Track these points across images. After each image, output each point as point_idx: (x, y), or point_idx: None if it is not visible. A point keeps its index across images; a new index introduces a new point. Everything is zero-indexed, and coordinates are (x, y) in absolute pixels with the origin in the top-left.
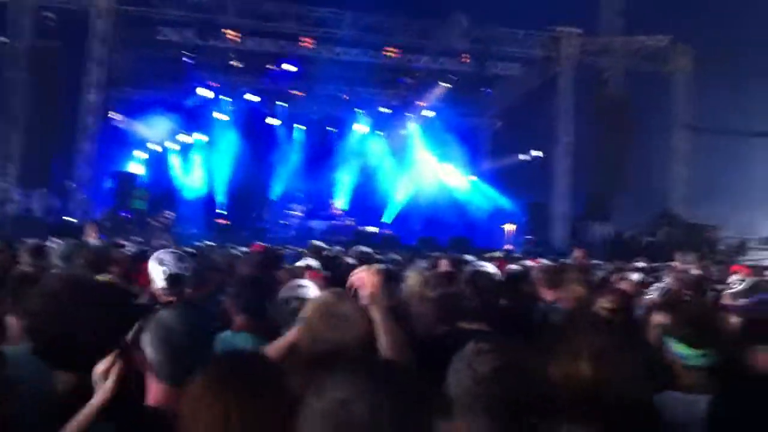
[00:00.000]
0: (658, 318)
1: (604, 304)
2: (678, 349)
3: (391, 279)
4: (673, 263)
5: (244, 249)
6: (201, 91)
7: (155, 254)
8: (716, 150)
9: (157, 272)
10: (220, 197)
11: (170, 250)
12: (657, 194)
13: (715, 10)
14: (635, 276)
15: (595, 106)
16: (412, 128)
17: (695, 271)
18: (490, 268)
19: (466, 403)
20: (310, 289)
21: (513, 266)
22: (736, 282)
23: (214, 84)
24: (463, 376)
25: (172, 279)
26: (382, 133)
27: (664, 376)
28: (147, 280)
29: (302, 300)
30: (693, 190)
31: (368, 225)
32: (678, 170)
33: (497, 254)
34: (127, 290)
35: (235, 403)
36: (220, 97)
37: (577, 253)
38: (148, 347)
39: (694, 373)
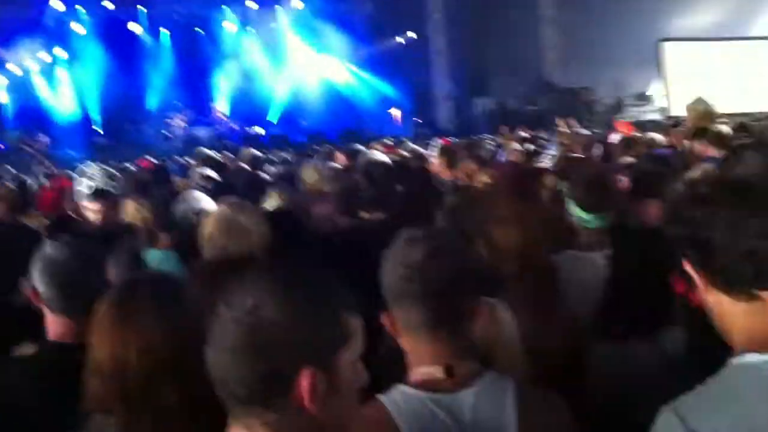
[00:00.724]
0: (549, 181)
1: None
2: (577, 212)
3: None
4: (559, 128)
5: (129, 165)
6: (54, 3)
7: (81, 168)
8: (582, 13)
9: (82, 187)
10: (94, 114)
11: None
12: (531, 62)
13: None
14: (518, 146)
15: None
16: (283, 21)
17: (580, 132)
18: (381, 156)
19: (400, 292)
20: (205, 202)
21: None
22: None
23: None
24: (396, 266)
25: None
26: (253, 30)
27: (564, 236)
28: (47, 205)
29: (200, 213)
30: (565, 54)
31: (254, 126)
32: (548, 35)
33: (388, 141)
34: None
35: (135, 324)
36: (76, 7)
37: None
38: (38, 282)
39: (593, 233)
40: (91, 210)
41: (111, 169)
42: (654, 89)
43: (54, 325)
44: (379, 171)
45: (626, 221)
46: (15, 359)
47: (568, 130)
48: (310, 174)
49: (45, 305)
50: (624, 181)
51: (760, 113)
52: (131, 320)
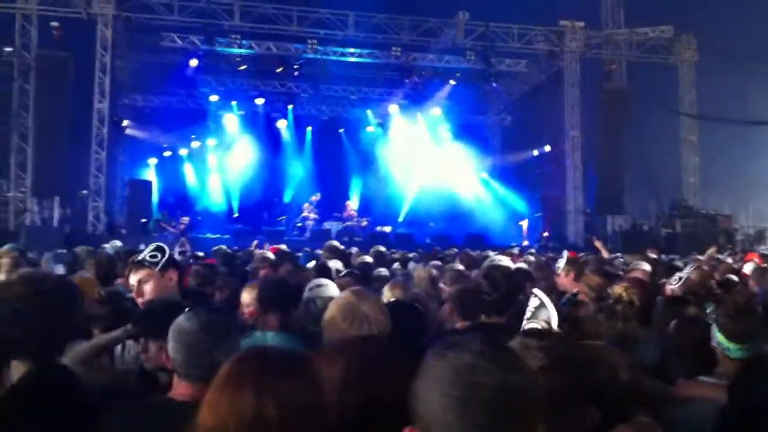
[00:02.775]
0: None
1: (618, 291)
2: (720, 339)
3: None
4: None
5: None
6: (210, 97)
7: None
8: (724, 138)
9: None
10: (234, 201)
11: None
12: (669, 185)
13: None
14: (647, 266)
15: (601, 99)
16: (421, 127)
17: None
18: (506, 261)
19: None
20: (331, 288)
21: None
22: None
23: (221, 88)
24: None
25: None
26: (391, 133)
27: (704, 361)
28: None
29: (325, 299)
30: (704, 179)
31: (382, 225)
32: (688, 159)
33: (513, 250)
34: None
35: (265, 386)
36: (230, 102)
37: (597, 243)
38: (170, 349)
39: (735, 362)
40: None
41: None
42: None
43: (178, 387)
44: (500, 275)
45: None
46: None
47: (715, 255)
48: (420, 274)
49: (174, 369)
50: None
51: None
52: (231, 390)
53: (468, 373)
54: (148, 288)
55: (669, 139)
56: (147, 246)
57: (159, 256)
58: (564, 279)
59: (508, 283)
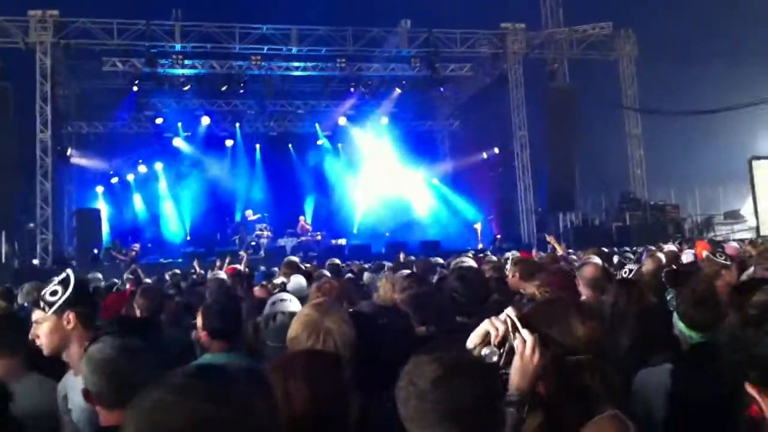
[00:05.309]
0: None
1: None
2: (681, 327)
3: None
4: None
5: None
6: (156, 120)
7: None
8: (667, 131)
9: None
10: (186, 224)
11: None
12: (617, 179)
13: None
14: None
15: (546, 99)
16: (370, 137)
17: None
18: (471, 262)
19: (415, 418)
20: (292, 303)
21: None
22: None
23: (166, 110)
24: (406, 393)
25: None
26: (340, 145)
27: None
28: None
29: (287, 315)
30: (650, 171)
31: (337, 237)
32: (633, 153)
33: (469, 254)
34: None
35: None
36: (176, 123)
37: (550, 239)
38: (87, 380)
39: (699, 348)
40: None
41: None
42: (745, 208)
43: (104, 416)
44: (474, 276)
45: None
46: None
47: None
48: (383, 284)
49: (96, 402)
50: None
51: None
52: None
53: (152, 411)
54: (40, 332)
55: (614, 133)
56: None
57: (59, 293)
58: (512, 279)
59: (481, 284)
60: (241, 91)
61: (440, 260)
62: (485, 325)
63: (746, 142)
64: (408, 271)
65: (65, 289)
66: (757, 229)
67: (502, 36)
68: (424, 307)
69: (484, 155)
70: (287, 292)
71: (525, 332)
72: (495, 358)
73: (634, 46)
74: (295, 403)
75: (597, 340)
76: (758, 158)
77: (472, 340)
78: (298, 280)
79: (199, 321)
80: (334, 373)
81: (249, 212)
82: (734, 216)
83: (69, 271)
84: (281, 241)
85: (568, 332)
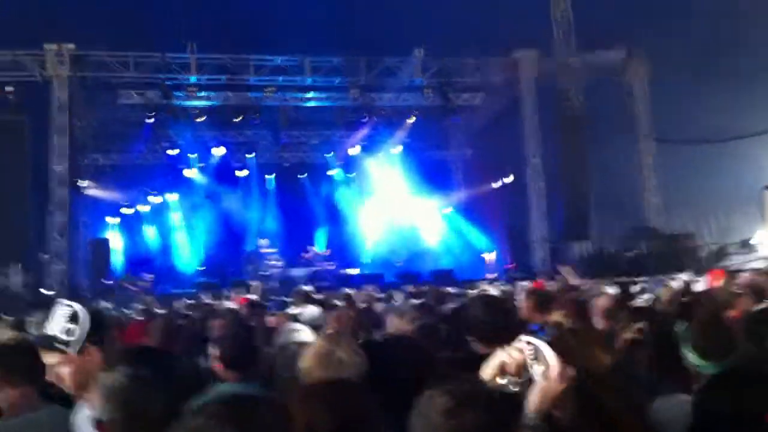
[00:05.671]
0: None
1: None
2: (692, 358)
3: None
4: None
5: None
6: (169, 151)
7: None
8: (683, 158)
9: None
10: (199, 254)
11: None
12: (631, 207)
13: (665, 19)
14: (611, 290)
15: (559, 126)
16: (383, 166)
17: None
18: (494, 291)
19: None
20: (304, 333)
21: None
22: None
23: (180, 141)
24: (418, 424)
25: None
26: (353, 174)
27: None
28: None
29: (300, 344)
30: (665, 199)
31: (349, 267)
32: (648, 181)
33: (483, 284)
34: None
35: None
36: (188, 155)
37: (563, 270)
38: (100, 409)
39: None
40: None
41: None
42: (759, 237)
43: None
44: (496, 302)
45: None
46: None
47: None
48: (393, 316)
49: (109, 430)
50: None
51: None
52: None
53: None
54: (64, 373)
55: (628, 160)
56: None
57: (75, 330)
58: (525, 310)
59: (506, 312)
60: (255, 121)
61: (451, 290)
62: (501, 356)
63: (760, 169)
64: (418, 302)
65: (78, 324)
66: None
67: (514, 63)
68: (432, 337)
69: (498, 183)
70: (299, 322)
71: (551, 356)
72: (515, 388)
73: (647, 71)
74: None
75: (620, 367)
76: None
77: (488, 371)
78: (311, 311)
79: (213, 351)
80: (356, 400)
81: (263, 241)
82: (747, 245)
83: (75, 305)
84: (294, 271)
85: (593, 359)
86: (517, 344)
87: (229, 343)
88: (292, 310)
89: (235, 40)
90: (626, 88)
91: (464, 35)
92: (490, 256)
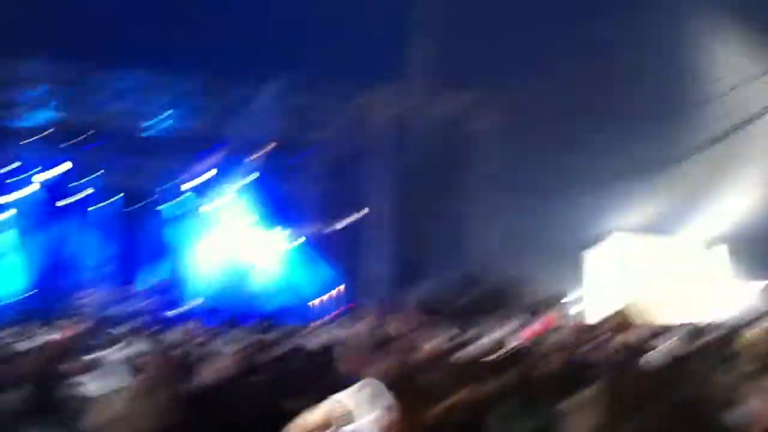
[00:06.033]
0: None
1: None
2: None
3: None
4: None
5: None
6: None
7: None
8: (521, 206)
9: None
10: (26, 277)
11: None
12: (468, 253)
13: (518, 70)
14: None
15: (406, 167)
16: (230, 196)
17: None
18: (324, 335)
19: None
20: (92, 386)
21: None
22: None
23: (24, 154)
24: None
25: None
26: (199, 202)
27: None
28: None
29: (82, 399)
30: (502, 245)
31: (184, 303)
32: (486, 226)
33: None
34: None
35: None
36: (32, 169)
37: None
38: None
39: None
40: None
41: None
42: (584, 288)
43: None
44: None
45: None
46: None
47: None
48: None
49: None
50: None
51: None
52: None
53: None
54: None
55: (470, 205)
56: None
57: None
58: (357, 354)
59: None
60: (97, 143)
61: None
62: (307, 416)
63: (596, 216)
64: (245, 343)
65: None
66: (584, 313)
67: (367, 100)
68: (245, 387)
69: (344, 221)
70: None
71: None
72: None
73: (495, 119)
74: None
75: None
76: (589, 246)
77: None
78: (119, 354)
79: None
80: None
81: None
82: (572, 296)
83: None
84: (119, 306)
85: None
86: (327, 403)
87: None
88: (100, 353)
89: (84, 54)
90: (473, 133)
91: (324, 70)
92: (330, 296)
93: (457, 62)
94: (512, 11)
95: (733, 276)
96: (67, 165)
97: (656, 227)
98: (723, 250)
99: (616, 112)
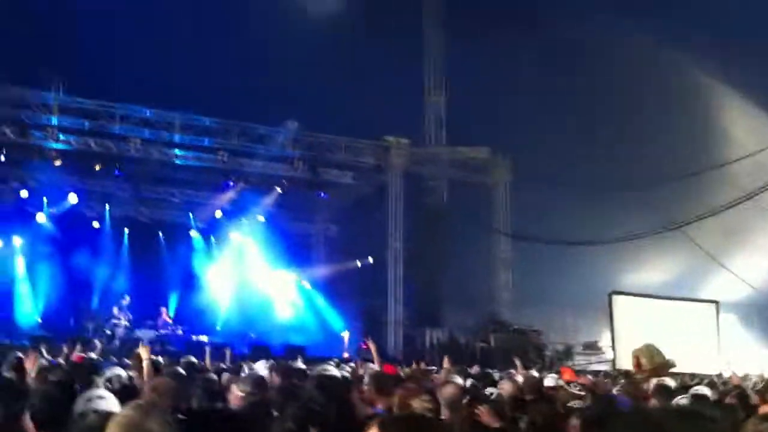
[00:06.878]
0: None
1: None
2: None
3: None
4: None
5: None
6: (20, 192)
7: None
8: (535, 257)
9: None
10: (39, 305)
11: None
12: (484, 300)
13: (530, 126)
14: (460, 380)
15: (421, 214)
16: (244, 233)
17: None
18: (335, 371)
19: None
20: (109, 401)
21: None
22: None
23: (32, 183)
24: None
25: None
26: (212, 238)
27: None
28: None
29: (101, 414)
30: (517, 295)
31: (199, 333)
32: (502, 276)
33: (331, 363)
34: None
35: None
36: (41, 198)
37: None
38: None
39: None
40: None
41: None
42: (603, 340)
43: None
44: (332, 384)
45: None
46: None
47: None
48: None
49: None
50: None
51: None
52: None
53: None
54: None
55: (484, 255)
56: None
57: None
58: (369, 393)
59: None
60: (116, 172)
61: (302, 365)
62: None
63: (608, 273)
64: (258, 375)
65: None
66: (614, 362)
67: (385, 148)
68: (261, 412)
69: (358, 263)
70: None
71: None
72: None
73: (510, 172)
74: None
75: None
76: (618, 293)
77: None
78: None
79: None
80: None
81: (126, 299)
82: (593, 347)
83: None
84: (139, 332)
85: None
86: None
87: (40, 402)
88: (112, 373)
89: (104, 87)
90: (488, 185)
91: (339, 114)
92: (345, 335)
93: (473, 117)
94: (525, 71)
95: (743, 340)
96: (75, 197)
97: (667, 289)
98: (733, 316)
99: (635, 173)
